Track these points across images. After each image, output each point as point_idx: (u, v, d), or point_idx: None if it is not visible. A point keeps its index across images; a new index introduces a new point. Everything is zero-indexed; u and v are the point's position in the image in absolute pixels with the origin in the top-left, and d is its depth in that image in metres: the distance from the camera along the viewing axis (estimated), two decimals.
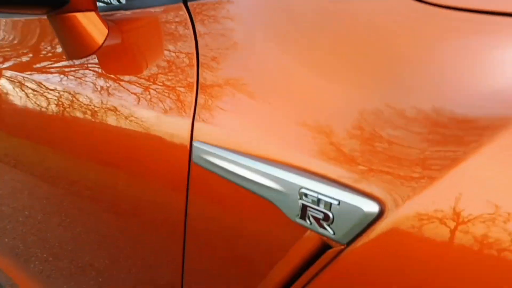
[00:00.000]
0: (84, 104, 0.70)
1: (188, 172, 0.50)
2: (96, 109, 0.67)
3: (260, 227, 0.41)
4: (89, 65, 0.71)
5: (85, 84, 0.71)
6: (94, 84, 0.69)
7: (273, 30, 0.46)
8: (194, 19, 0.56)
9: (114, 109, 0.63)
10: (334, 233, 0.35)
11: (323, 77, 0.40)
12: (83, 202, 0.77)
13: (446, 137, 0.30)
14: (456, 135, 0.30)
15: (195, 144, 0.48)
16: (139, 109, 0.59)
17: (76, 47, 0.66)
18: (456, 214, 0.28)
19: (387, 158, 0.33)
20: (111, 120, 0.64)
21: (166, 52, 0.59)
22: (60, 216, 0.89)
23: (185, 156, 0.50)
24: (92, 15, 0.64)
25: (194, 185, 0.49)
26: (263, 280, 0.42)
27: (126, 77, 0.64)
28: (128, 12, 0.69)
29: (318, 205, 0.35)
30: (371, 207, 0.32)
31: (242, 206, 0.43)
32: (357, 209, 0.33)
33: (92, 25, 0.64)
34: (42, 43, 0.88)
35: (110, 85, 0.66)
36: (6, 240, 1.16)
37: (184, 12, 0.58)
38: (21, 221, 1.10)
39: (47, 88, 0.80)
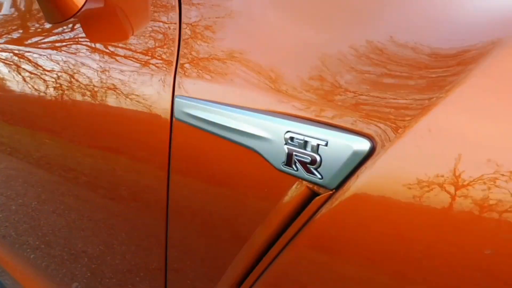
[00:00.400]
0: (65, 73, 0.66)
1: (171, 130, 0.45)
2: (80, 76, 0.63)
3: (245, 180, 0.37)
4: (71, 31, 0.68)
5: (68, 50, 0.67)
6: (78, 50, 0.65)
7: None
8: None
9: (97, 72, 0.59)
10: (322, 177, 0.30)
11: (302, 24, 0.36)
12: (75, 186, 0.74)
13: (429, 76, 0.26)
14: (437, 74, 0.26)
15: (177, 99, 0.44)
16: (122, 70, 0.55)
17: (55, 9, 0.63)
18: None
19: (374, 95, 0.29)
20: (95, 85, 0.60)
21: (142, 15, 0.55)
22: (53, 204, 0.87)
23: (166, 112, 0.46)
24: None
25: (177, 143, 0.45)
26: (252, 235, 0.37)
27: (109, 39, 0.60)
28: None
29: (304, 149, 0.31)
30: (362, 145, 0.28)
31: (226, 160, 0.39)
32: (347, 147, 0.28)
33: None
34: (19, 16, 0.84)
35: (94, 49, 0.62)
36: None
37: None
38: (14, 210, 1.07)
39: (23, 64, 0.77)
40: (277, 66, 0.36)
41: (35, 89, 0.75)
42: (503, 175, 0.22)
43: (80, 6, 0.62)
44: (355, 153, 0.28)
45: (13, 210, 1.07)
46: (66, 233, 0.85)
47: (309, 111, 0.32)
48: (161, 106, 0.45)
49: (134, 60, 0.54)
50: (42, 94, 0.72)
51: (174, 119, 0.44)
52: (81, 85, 0.62)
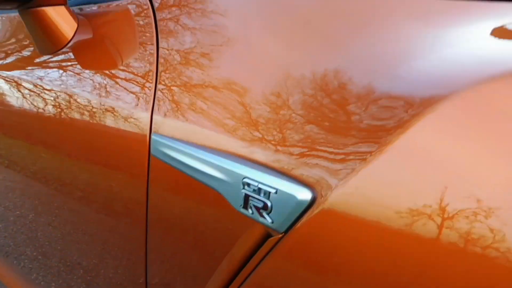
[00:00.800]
0: (54, 99, 0.70)
1: (148, 165, 0.49)
2: (64, 104, 0.67)
3: (211, 218, 0.41)
4: (62, 60, 0.72)
5: (60, 79, 0.71)
6: (67, 78, 0.69)
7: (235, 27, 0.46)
8: (156, 14, 0.56)
9: (81, 103, 0.63)
10: (272, 222, 0.34)
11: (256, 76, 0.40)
12: (68, 201, 0.78)
13: (372, 126, 0.30)
14: (381, 124, 0.29)
15: (153, 137, 0.48)
16: (104, 102, 0.59)
17: (46, 41, 0.67)
18: (383, 200, 0.27)
19: (317, 145, 0.33)
20: (78, 114, 0.64)
21: (130, 46, 0.59)
22: (50, 216, 0.91)
23: (145, 149, 0.50)
24: (62, 9, 0.64)
25: (153, 177, 0.49)
26: (217, 270, 0.41)
27: (94, 70, 0.64)
28: (103, 5, 0.69)
29: (258, 194, 0.35)
30: (304, 195, 0.32)
31: (195, 198, 0.43)
32: (292, 197, 0.32)
33: (61, 19, 0.65)
34: (15, 40, 0.89)
35: (80, 79, 0.66)
36: None
37: (148, 6, 0.58)
38: (12, 221, 1.11)
39: (20, 85, 0.81)
40: (240, 110, 0.40)
41: (33, 105, 0.79)
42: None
43: (69, 37, 0.66)
44: (299, 202, 0.32)
45: (11, 221, 1.11)
46: (62, 245, 0.89)
47: (263, 158, 0.36)
48: (140, 141, 0.49)
49: (117, 90, 0.58)
50: (38, 111, 0.76)
51: (151, 155, 0.48)
52: (73, 108, 0.66)
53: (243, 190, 0.36)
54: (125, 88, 0.56)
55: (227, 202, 0.38)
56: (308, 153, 0.33)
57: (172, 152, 0.44)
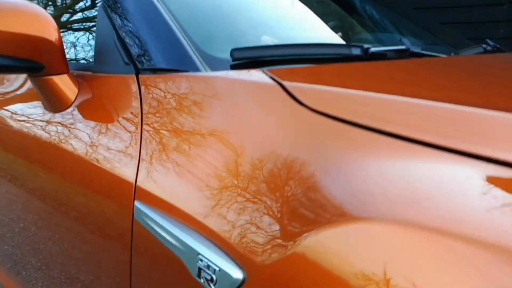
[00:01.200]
0: (58, 137, 0.83)
1: (132, 229, 0.62)
2: (70, 143, 0.80)
3: (177, 281, 0.54)
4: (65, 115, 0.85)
5: (63, 132, 0.84)
6: (69, 133, 0.82)
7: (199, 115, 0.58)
8: (142, 90, 0.69)
9: (77, 158, 0.76)
10: None
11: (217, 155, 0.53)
12: (65, 220, 0.91)
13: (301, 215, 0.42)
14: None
15: (136, 203, 0.61)
16: (97, 156, 0.71)
17: (52, 103, 0.79)
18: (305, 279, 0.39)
19: (252, 228, 0.45)
20: (78, 153, 0.76)
21: (117, 116, 0.71)
22: (49, 231, 1.04)
23: (129, 214, 0.63)
24: (65, 77, 0.77)
25: (136, 241, 0.62)
26: None
27: (99, 121, 0.76)
28: (98, 74, 0.82)
29: (208, 269, 0.48)
30: (237, 274, 0.45)
31: (165, 265, 0.56)
32: (229, 276, 0.45)
33: (64, 85, 0.77)
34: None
35: (79, 133, 0.78)
36: (6, 247, 1.32)
37: (135, 82, 0.70)
38: (17, 232, 1.25)
39: (35, 126, 0.94)
40: (199, 190, 0.53)
41: (34, 131, 0.90)
42: None
43: (72, 100, 0.79)
44: (234, 281, 0.45)
45: (16, 232, 1.25)
46: (62, 259, 1.02)
47: (213, 237, 0.49)
48: (125, 208, 0.62)
49: (107, 147, 0.70)
50: (38, 137, 0.88)
51: (134, 220, 0.61)
52: (70, 150, 0.78)
53: (197, 263, 0.49)
54: (110, 154, 0.68)
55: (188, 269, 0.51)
56: (244, 235, 0.46)
57: (148, 219, 0.57)
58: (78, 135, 0.78)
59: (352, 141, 0.44)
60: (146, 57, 0.71)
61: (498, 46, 1.12)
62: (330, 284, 0.36)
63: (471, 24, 4.52)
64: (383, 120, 0.44)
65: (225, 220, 0.48)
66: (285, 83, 0.53)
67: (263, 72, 0.57)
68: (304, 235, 0.40)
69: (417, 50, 0.78)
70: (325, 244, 0.38)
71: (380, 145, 0.41)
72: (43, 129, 0.87)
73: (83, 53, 0.92)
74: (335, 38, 0.94)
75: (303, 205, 0.42)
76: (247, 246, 0.45)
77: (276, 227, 0.44)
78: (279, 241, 0.43)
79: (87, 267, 0.89)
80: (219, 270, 0.47)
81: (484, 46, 1.08)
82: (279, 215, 0.44)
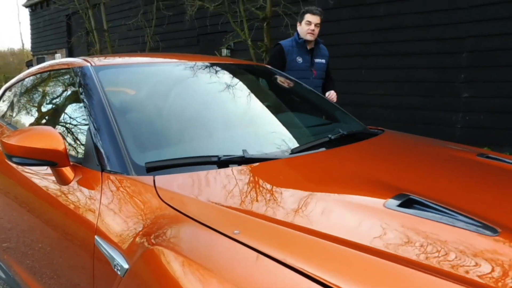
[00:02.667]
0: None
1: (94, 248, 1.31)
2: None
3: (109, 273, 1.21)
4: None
5: (64, 195, 1.54)
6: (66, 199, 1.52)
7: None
8: (103, 182, 1.38)
9: (71, 208, 1.45)
10: None
11: None
12: (49, 235, 1.59)
13: None
14: None
15: (96, 237, 1.30)
16: (79, 213, 1.40)
17: (60, 181, 1.50)
18: None
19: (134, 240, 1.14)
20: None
21: (92, 195, 1.40)
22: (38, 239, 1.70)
23: (92, 240, 1.32)
24: (67, 168, 1.47)
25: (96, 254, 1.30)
26: None
27: (78, 197, 1.46)
28: (85, 167, 1.51)
29: (118, 265, 1.16)
30: (126, 265, 1.12)
31: (104, 262, 1.24)
32: (123, 267, 1.13)
33: (67, 173, 1.48)
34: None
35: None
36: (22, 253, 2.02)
37: (99, 178, 1.40)
38: (22, 230, 1.93)
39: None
40: None
41: (50, 192, 1.60)
42: None
43: (71, 180, 1.49)
44: (126, 269, 1.12)
45: (21, 231, 1.92)
46: (50, 260, 1.67)
47: (118, 248, 1.17)
48: (90, 238, 1.32)
49: (86, 206, 1.39)
50: (52, 194, 1.58)
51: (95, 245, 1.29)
52: (66, 204, 1.47)
53: (113, 262, 1.16)
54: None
55: None
56: (131, 244, 1.14)
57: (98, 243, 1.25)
58: (71, 197, 1.48)
59: (179, 220, 1.12)
60: (106, 161, 1.41)
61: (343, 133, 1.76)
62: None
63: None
64: (203, 216, 1.10)
65: (122, 237, 1.16)
66: (157, 184, 1.22)
67: (153, 178, 1.26)
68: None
69: (249, 156, 1.43)
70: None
71: (193, 228, 1.09)
72: (54, 192, 1.57)
73: (80, 150, 1.63)
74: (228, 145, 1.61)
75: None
76: (131, 250, 1.12)
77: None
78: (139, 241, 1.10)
79: (65, 268, 1.53)
80: (119, 264, 1.14)
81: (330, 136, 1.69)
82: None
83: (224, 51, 8.00)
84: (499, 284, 0.77)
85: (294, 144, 1.63)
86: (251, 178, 1.31)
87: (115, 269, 1.15)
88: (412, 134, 2.28)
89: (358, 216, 1.05)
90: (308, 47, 3.39)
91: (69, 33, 13.80)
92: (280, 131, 1.80)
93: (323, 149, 1.59)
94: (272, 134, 1.74)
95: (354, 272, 0.80)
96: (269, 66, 2.74)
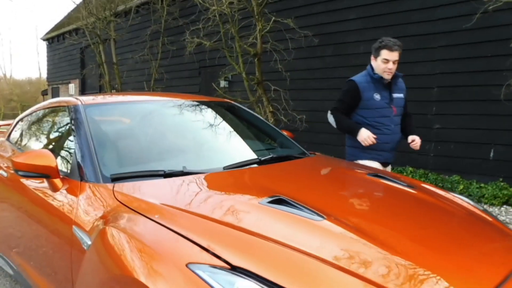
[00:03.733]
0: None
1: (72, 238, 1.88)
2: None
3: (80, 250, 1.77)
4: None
5: (55, 199, 2.11)
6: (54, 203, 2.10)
7: None
8: (81, 189, 1.96)
9: (56, 207, 2.03)
10: None
11: None
12: (42, 234, 2.15)
13: None
14: None
15: (73, 227, 1.87)
16: (62, 210, 1.98)
17: (52, 188, 2.08)
18: None
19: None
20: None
21: (75, 198, 1.98)
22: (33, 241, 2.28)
23: (71, 230, 1.88)
24: (58, 180, 2.06)
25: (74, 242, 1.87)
26: None
27: (64, 200, 2.04)
28: (70, 179, 2.11)
29: (86, 244, 1.71)
30: (89, 242, 1.67)
31: (79, 245, 1.80)
32: (87, 243, 1.68)
33: (58, 183, 2.06)
34: None
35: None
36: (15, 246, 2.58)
37: (78, 186, 1.98)
38: (21, 233, 2.50)
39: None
40: None
41: (45, 197, 2.18)
42: None
43: (60, 188, 2.07)
44: (89, 244, 1.67)
45: (22, 231, 2.49)
46: (44, 250, 2.23)
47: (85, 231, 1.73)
48: (69, 228, 1.88)
49: (68, 205, 1.96)
50: (45, 198, 2.15)
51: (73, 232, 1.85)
52: (56, 205, 2.04)
53: (83, 243, 1.72)
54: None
55: None
56: (94, 227, 1.70)
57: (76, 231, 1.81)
58: (59, 200, 2.05)
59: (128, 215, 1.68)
60: (85, 174, 1.99)
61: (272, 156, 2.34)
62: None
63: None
64: (139, 208, 1.67)
65: (88, 224, 1.72)
66: (115, 189, 1.79)
67: (114, 186, 1.83)
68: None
69: (186, 170, 2.00)
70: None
71: (131, 215, 1.65)
72: (48, 197, 2.15)
73: (68, 167, 2.22)
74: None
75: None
76: (92, 231, 1.68)
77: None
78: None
79: (55, 253, 2.10)
80: (86, 242, 1.70)
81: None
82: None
83: (222, 83, 8.69)
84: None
85: (229, 162, 2.19)
86: (182, 184, 1.88)
87: (83, 246, 1.71)
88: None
89: (240, 207, 1.61)
90: (385, 82, 3.04)
91: (82, 65, 14.80)
92: (223, 153, 2.38)
93: (254, 165, 2.17)
94: (215, 156, 2.33)
95: (229, 239, 1.36)
96: (228, 100, 3.32)
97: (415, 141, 3.08)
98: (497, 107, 5.12)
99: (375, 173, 2.23)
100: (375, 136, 2.98)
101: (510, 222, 4.43)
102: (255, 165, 2.21)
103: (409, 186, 2.08)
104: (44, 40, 17.95)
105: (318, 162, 2.53)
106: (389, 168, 3.25)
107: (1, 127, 3.97)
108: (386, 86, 3.05)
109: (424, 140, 5.94)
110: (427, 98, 5.89)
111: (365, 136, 2.98)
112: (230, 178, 2.02)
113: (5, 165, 2.77)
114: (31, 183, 2.36)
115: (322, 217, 1.50)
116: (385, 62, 2.94)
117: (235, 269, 1.21)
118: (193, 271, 1.21)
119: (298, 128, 7.08)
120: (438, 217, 1.77)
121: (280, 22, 6.57)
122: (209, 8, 7.05)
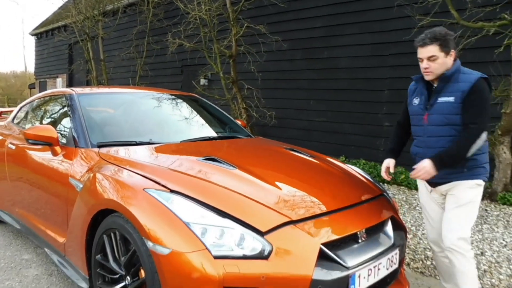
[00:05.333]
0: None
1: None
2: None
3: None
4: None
5: (54, 162, 2.92)
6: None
7: None
8: (75, 153, 2.78)
9: (53, 167, 2.84)
10: None
11: None
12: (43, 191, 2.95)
13: None
14: None
15: (70, 179, 2.68)
16: (58, 169, 2.78)
17: (53, 153, 2.89)
18: None
19: None
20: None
21: (70, 161, 2.80)
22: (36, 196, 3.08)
23: (67, 181, 2.70)
24: (57, 147, 2.87)
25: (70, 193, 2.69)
26: None
27: (60, 163, 2.85)
28: (67, 146, 2.92)
29: (77, 188, 2.53)
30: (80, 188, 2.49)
31: (74, 195, 2.62)
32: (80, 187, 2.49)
33: (58, 149, 2.87)
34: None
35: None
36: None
37: (74, 151, 2.80)
38: (26, 192, 3.30)
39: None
40: None
41: (45, 161, 2.99)
42: None
43: (59, 153, 2.89)
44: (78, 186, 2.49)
45: (26, 192, 3.28)
46: (46, 202, 3.02)
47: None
48: (66, 181, 2.69)
49: (64, 166, 2.76)
50: (44, 162, 2.96)
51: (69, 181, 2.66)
52: (53, 167, 2.85)
53: (77, 187, 2.52)
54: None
55: None
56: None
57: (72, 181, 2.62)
58: (59, 162, 2.86)
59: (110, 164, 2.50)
60: (78, 142, 2.80)
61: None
62: None
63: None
64: (116, 161, 2.49)
65: (80, 174, 2.53)
66: (100, 151, 2.61)
67: (99, 150, 2.65)
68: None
69: (152, 141, 2.85)
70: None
71: (110, 165, 2.47)
72: (47, 161, 2.96)
73: (66, 137, 3.02)
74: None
75: None
76: (83, 178, 2.49)
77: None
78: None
79: (55, 202, 2.90)
80: (79, 187, 2.51)
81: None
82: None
83: (202, 81, 9.51)
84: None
85: (185, 138, 3.04)
86: (146, 149, 2.72)
87: (77, 189, 2.53)
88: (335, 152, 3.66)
89: (183, 162, 2.47)
90: (435, 84, 2.44)
91: (70, 61, 15.49)
92: (183, 132, 3.25)
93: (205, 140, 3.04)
94: (176, 133, 3.19)
95: (171, 177, 2.20)
96: (193, 94, 4.16)
97: (416, 169, 2.34)
98: None
99: (292, 148, 3.10)
100: (391, 171, 2.61)
101: None
102: (206, 141, 3.06)
103: (311, 156, 2.95)
104: (32, 35, 18.56)
105: (254, 141, 3.40)
106: (450, 190, 2.46)
107: (3, 113, 4.75)
108: (430, 87, 2.47)
109: (375, 136, 6.89)
110: (378, 99, 6.78)
111: (382, 167, 2.67)
112: (182, 147, 2.87)
113: (13, 141, 3.57)
114: (33, 153, 3.16)
115: (235, 167, 2.35)
116: (420, 61, 2.41)
117: (172, 192, 2.04)
118: (146, 192, 2.05)
119: (268, 123, 7.94)
120: (320, 172, 2.66)
121: (253, 27, 7.42)
122: (190, 13, 7.87)
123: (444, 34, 2.33)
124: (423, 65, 2.40)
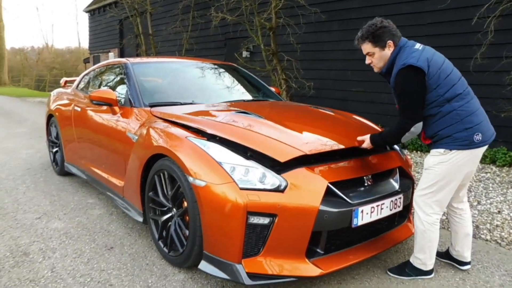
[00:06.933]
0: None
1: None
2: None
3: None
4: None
5: (113, 120, 3.49)
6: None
7: None
8: (132, 112, 3.33)
9: (113, 126, 3.41)
10: None
11: None
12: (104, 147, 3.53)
13: None
14: None
15: (128, 133, 3.24)
16: (118, 128, 3.35)
17: (112, 113, 3.46)
18: None
19: None
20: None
21: (127, 119, 3.36)
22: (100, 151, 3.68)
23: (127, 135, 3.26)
24: (116, 107, 3.44)
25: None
26: None
27: (121, 122, 3.41)
28: (125, 107, 3.48)
29: None
30: None
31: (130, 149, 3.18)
32: None
33: (116, 109, 3.43)
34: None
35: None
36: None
37: (130, 110, 3.35)
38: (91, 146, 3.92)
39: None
40: None
41: (106, 120, 3.57)
42: None
43: (117, 113, 3.46)
44: None
45: (90, 146, 3.91)
46: (108, 155, 3.61)
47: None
48: (126, 137, 3.25)
49: (125, 124, 3.32)
50: (105, 121, 3.54)
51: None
52: (113, 126, 3.42)
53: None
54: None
55: None
56: None
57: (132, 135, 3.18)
58: (117, 120, 3.43)
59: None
60: (133, 103, 3.35)
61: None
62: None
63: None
64: (168, 117, 3.01)
65: (135, 129, 3.07)
66: (152, 110, 3.14)
67: (150, 109, 3.19)
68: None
69: (195, 103, 3.35)
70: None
71: (161, 121, 2.99)
72: (108, 120, 3.54)
73: (123, 100, 3.58)
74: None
75: None
76: (137, 132, 3.03)
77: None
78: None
79: (115, 156, 3.48)
80: (135, 138, 3.05)
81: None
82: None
83: (244, 53, 9.92)
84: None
85: (225, 99, 3.56)
86: (189, 107, 3.23)
87: (133, 141, 3.08)
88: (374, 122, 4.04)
89: (220, 114, 2.99)
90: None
91: (121, 35, 16.36)
92: (222, 95, 3.76)
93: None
94: (216, 96, 3.71)
95: (209, 126, 2.67)
96: (233, 64, 4.60)
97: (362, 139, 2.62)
98: None
99: (317, 106, 3.53)
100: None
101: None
102: (240, 102, 3.54)
103: (330, 111, 3.39)
104: (86, 12, 19.62)
105: (284, 102, 3.84)
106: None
107: (68, 82, 5.44)
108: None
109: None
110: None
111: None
112: (221, 106, 3.36)
113: (78, 104, 4.20)
114: (95, 114, 3.77)
115: (262, 117, 2.82)
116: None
117: (209, 140, 2.53)
118: (189, 140, 2.55)
119: (307, 93, 8.28)
120: (339, 123, 3.18)
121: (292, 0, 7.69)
122: None
123: (374, 29, 2.39)
124: (366, 60, 2.53)
